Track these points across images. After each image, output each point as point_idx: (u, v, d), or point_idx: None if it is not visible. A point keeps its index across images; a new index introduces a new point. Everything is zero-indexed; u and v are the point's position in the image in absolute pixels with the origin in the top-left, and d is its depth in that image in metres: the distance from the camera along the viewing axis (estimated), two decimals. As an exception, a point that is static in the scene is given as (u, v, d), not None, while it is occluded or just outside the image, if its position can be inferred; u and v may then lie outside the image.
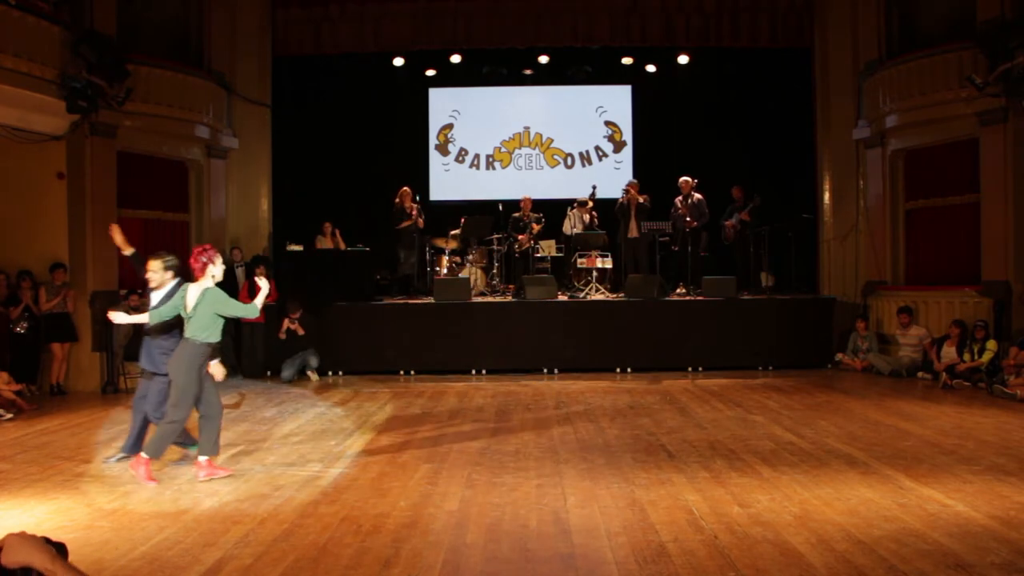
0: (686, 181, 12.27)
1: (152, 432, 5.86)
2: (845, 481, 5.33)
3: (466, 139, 15.16)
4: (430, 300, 11.47)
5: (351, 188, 13.67)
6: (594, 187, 12.64)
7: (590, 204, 12.60)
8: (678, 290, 12.07)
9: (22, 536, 2.57)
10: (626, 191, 12.29)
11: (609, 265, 12.07)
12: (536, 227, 12.54)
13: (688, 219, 12.02)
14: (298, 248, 11.74)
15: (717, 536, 4.30)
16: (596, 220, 12.64)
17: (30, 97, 9.24)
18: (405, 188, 12.33)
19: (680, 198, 12.28)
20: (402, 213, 12.17)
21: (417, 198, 12.55)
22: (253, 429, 7.48)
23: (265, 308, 11.05)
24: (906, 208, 11.66)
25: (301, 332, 10.76)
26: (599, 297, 11.61)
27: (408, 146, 14.79)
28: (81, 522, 4.70)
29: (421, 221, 12.26)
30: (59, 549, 2.72)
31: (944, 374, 9.56)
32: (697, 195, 12.20)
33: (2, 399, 8.31)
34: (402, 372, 11.05)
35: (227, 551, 4.18)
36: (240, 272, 11.68)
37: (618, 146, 15.12)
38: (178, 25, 11.82)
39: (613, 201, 12.75)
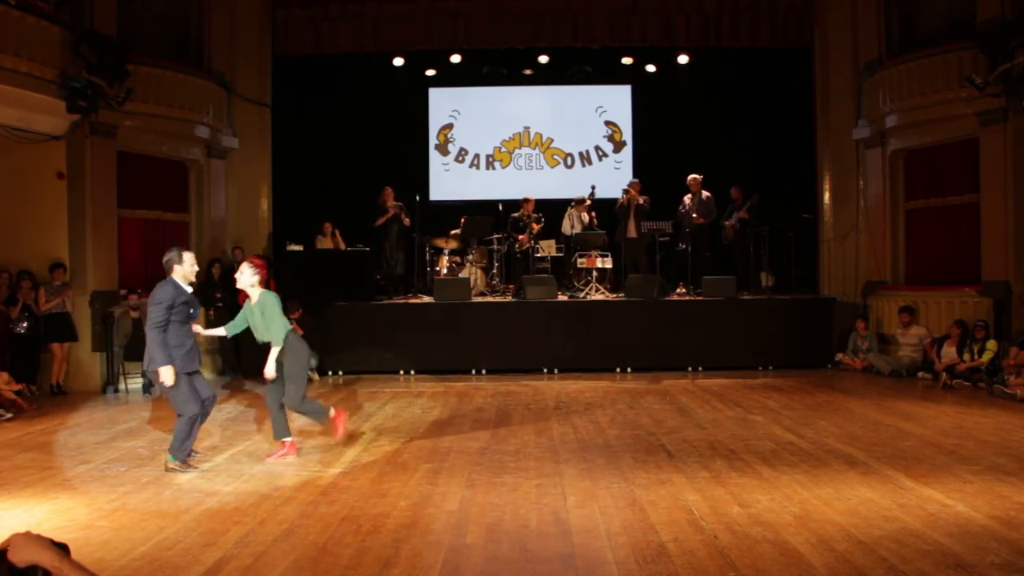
0: (695, 179, 12.31)
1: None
2: (845, 481, 5.33)
3: (466, 139, 15.15)
4: (430, 300, 11.48)
5: (351, 188, 13.65)
6: (593, 187, 12.64)
7: (588, 202, 12.60)
8: (678, 290, 12.07)
9: (28, 535, 2.57)
10: (626, 192, 12.30)
11: (609, 265, 12.07)
12: (536, 227, 12.54)
13: (695, 215, 12.04)
14: (298, 248, 11.73)
15: (717, 536, 4.30)
16: (595, 219, 12.64)
17: (30, 97, 9.24)
18: (387, 188, 12.35)
19: (689, 196, 12.30)
20: (380, 210, 12.16)
21: (418, 198, 12.54)
22: (253, 429, 7.48)
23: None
24: (906, 208, 11.67)
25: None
26: (599, 297, 11.61)
27: (408, 146, 14.78)
28: (81, 522, 4.70)
29: (406, 219, 12.24)
30: (62, 549, 2.73)
31: (944, 374, 9.56)
32: (706, 192, 12.24)
33: (2, 399, 8.31)
34: (402, 372, 11.05)
35: (227, 551, 4.18)
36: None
37: (618, 146, 15.12)
38: (178, 25, 11.81)
39: (613, 201, 12.76)
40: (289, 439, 6.30)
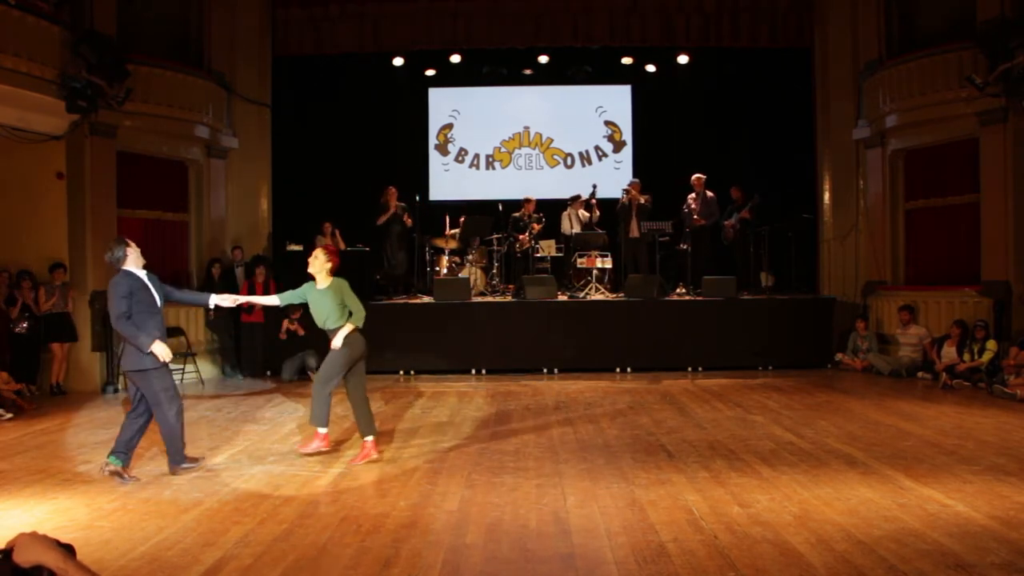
0: (699, 178, 12.31)
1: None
2: (845, 481, 5.34)
3: (466, 139, 15.15)
4: (430, 300, 11.47)
5: (351, 188, 13.64)
6: (594, 186, 12.61)
7: (582, 199, 12.59)
8: (678, 290, 12.07)
9: (33, 536, 2.57)
10: (627, 191, 12.30)
11: (609, 265, 12.08)
12: (536, 227, 12.54)
13: (696, 216, 12.04)
14: (298, 248, 11.73)
15: (717, 536, 4.30)
16: (598, 213, 12.55)
17: (30, 97, 9.23)
18: (391, 187, 12.35)
19: (693, 195, 12.31)
20: (383, 209, 12.17)
21: (417, 198, 12.54)
22: (253, 429, 7.49)
23: (265, 308, 11.08)
24: (906, 208, 11.66)
25: (302, 332, 10.76)
26: (599, 297, 11.61)
27: (408, 146, 14.78)
28: (81, 522, 4.70)
29: (409, 220, 12.23)
30: (68, 550, 2.71)
31: (944, 374, 9.56)
32: (709, 192, 12.24)
33: (2, 399, 8.31)
34: (402, 372, 11.05)
35: (227, 551, 4.18)
36: (240, 272, 11.68)
37: (618, 146, 15.12)
38: (178, 25, 11.81)
39: (613, 201, 12.75)
40: (370, 439, 6.17)
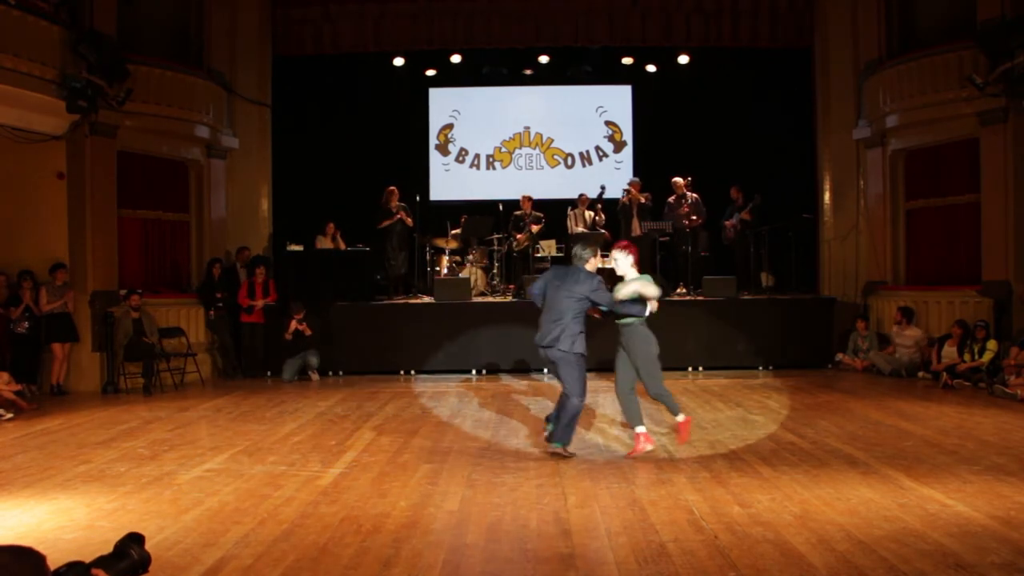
0: (677, 182, 12.27)
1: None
2: (845, 481, 5.33)
3: (466, 139, 15.15)
4: (430, 300, 11.47)
5: (351, 188, 13.65)
6: (603, 188, 12.56)
7: (586, 200, 12.57)
8: (678, 290, 12.06)
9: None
10: (627, 191, 12.28)
11: (609, 265, 12.02)
12: (535, 227, 12.52)
13: (694, 217, 12.03)
14: (298, 248, 11.73)
15: (717, 536, 4.29)
16: (602, 216, 12.53)
17: (30, 97, 9.24)
18: (391, 187, 12.35)
19: (673, 198, 12.28)
20: (384, 212, 12.18)
21: (418, 198, 12.54)
22: (253, 429, 7.48)
23: (265, 308, 11.09)
24: (906, 208, 11.66)
25: (308, 332, 10.74)
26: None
27: (408, 146, 14.77)
28: (81, 522, 4.70)
29: (409, 220, 12.24)
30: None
31: (945, 374, 9.55)
32: (693, 194, 12.22)
33: (2, 399, 8.31)
34: (402, 372, 11.05)
35: (227, 551, 4.18)
36: (241, 272, 11.67)
37: (618, 146, 15.11)
38: (178, 25, 11.80)
39: (613, 201, 12.74)
40: (642, 429, 6.18)
